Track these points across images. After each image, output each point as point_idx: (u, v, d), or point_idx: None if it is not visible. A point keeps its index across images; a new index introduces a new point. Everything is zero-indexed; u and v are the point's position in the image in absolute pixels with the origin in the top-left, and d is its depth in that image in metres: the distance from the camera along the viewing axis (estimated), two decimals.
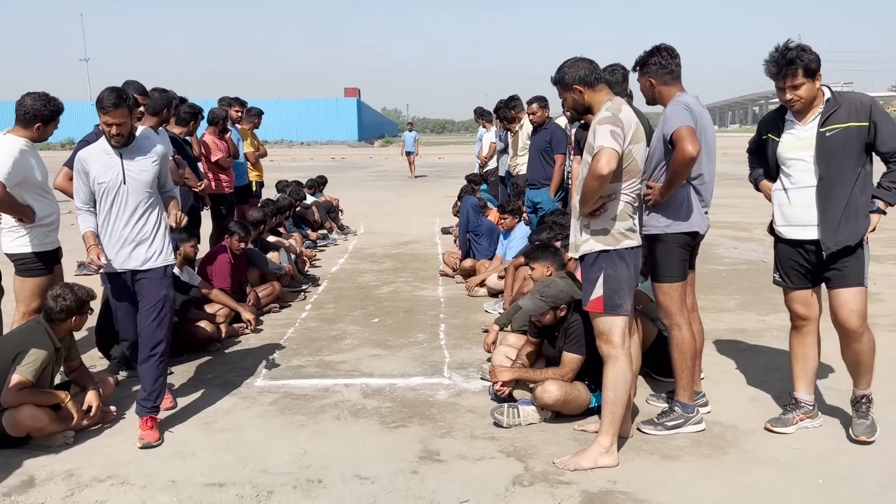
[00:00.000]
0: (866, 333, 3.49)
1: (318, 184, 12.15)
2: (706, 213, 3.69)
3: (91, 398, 3.77)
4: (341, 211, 11.87)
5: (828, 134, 3.37)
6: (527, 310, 3.91)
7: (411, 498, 3.12)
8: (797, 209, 3.52)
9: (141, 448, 3.61)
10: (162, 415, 3.91)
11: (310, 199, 11.08)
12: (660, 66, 3.57)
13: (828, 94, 3.43)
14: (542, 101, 7.00)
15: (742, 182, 19.26)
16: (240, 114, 8.30)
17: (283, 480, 3.28)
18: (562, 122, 7.00)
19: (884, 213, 3.47)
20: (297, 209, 9.89)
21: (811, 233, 3.48)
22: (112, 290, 3.96)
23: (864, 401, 3.58)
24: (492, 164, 10.85)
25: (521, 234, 6.76)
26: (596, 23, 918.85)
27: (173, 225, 3.90)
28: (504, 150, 9.09)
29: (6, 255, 4.28)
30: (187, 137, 6.44)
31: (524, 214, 6.99)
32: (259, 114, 8.81)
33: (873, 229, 3.47)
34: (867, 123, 3.34)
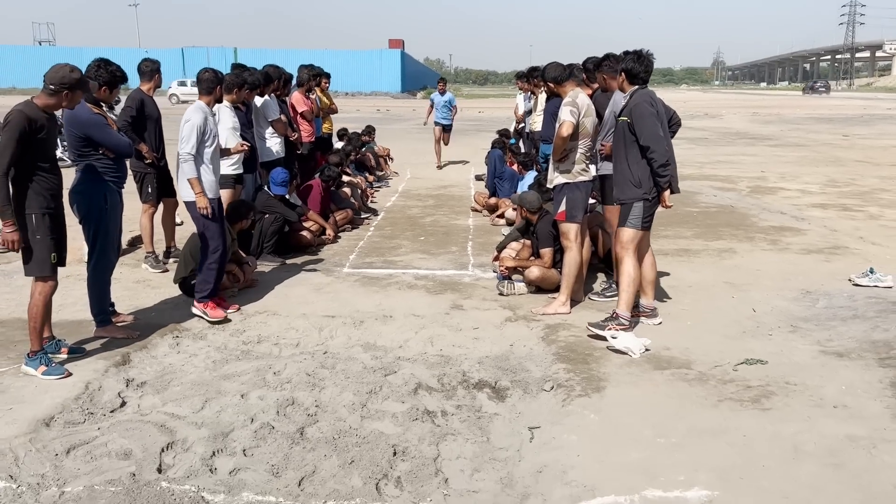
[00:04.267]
0: (624, 260, 4.94)
1: (368, 132, 14.24)
2: None
3: (247, 269, 6.07)
4: (391, 159, 14.04)
5: (619, 121, 5.03)
6: (512, 198, 6.45)
7: (445, 325, 5.32)
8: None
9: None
10: (283, 284, 6.22)
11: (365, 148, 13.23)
12: (609, 68, 5.57)
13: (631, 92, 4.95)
14: None
15: (753, 142, 20.84)
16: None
17: (368, 315, 5.51)
18: (542, 98, 8.93)
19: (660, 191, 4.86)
20: (358, 156, 12.07)
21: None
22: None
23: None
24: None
25: (531, 179, 8.82)
26: None
27: None
28: (529, 112, 11.04)
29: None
30: (285, 99, 8.59)
31: (537, 164, 9.03)
32: (328, 76, 10.91)
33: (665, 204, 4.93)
34: (629, 119, 4.84)
